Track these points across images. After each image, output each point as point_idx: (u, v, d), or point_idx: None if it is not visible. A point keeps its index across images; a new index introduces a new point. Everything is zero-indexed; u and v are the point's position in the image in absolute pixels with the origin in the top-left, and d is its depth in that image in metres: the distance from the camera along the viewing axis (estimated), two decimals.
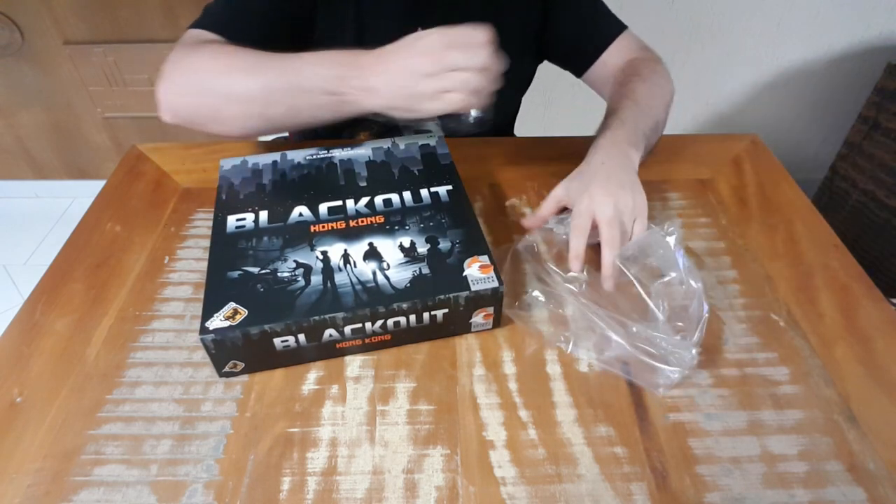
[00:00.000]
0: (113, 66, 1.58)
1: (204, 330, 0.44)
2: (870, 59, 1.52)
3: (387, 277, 0.48)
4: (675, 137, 0.77)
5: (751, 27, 1.47)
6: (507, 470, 0.42)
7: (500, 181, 0.68)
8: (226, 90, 0.54)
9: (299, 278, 0.48)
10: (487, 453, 0.43)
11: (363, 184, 0.58)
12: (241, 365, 0.47)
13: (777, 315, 0.53)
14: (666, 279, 0.51)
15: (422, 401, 0.46)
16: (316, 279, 0.48)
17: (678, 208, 0.65)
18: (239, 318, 0.45)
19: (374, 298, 0.46)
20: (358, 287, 0.47)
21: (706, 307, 0.49)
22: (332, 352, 0.49)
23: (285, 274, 0.48)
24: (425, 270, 0.49)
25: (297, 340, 0.46)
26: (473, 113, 0.56)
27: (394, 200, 0.56)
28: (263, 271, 0.49)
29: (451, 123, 0.58)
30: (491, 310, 0.49)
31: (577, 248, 0.53)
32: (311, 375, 0.48)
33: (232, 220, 0.54)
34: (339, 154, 0.62)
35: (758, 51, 1.52)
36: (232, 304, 0.46)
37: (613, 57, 0.73)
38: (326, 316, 0.45)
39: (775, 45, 1.51)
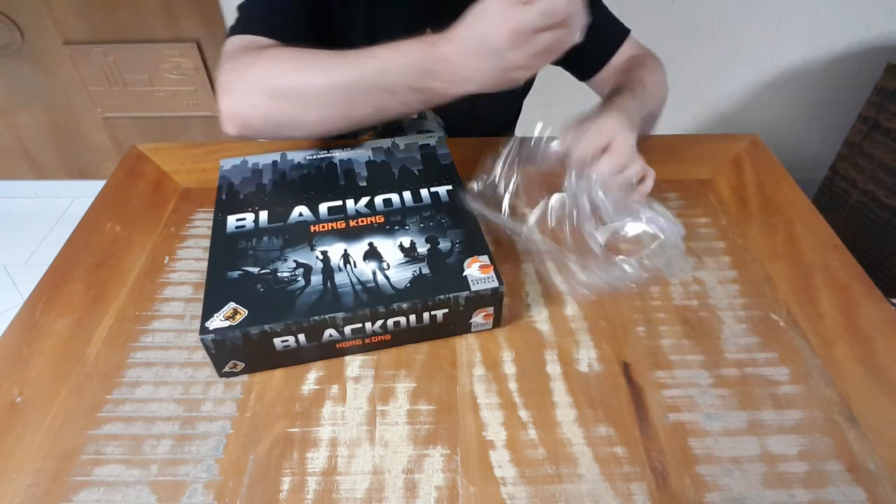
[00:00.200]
0: (113, 66, 1.58)
1: (204, 330, 0.44)
2: (870, 59, 1.52)
3: (387, 277, 0.48)
4: (675, 137, 0.77)
5: (751, 27, 1.47)
6: (507, 470, 0.42)
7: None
8: (306, 94, 0.53)
9: (299, 278, 0.48)
10: (487, 453, 0.43)
11: (363, 184, 0.58)
12: (241, 365, 0.47)
13: (777, 315, 0.53)
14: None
15: (422, 401, 0.46)
16: (316, 279, 0.48)
17: (678, 208, 0.65)
18: (239, 318, 0.45)
19: (374, 298, 0.46)
20: (358, 287, 0.47)
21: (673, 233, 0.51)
22: (332, 352, 0.49)
23: (285, 274, 0.48)
24: (425, 270, 0.49)
25: (297, 340, 0.46)
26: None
27: (394, 200, 0.56)
28: (263, 271, 0.49)
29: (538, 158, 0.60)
30: (491, 310, 0.49)
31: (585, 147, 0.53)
32: (311, 375, 0.48)
33: (232, 220, 0.54)
34: (339, 154, 0.62)
35: (758, 51, 1.52)
36: (232, 304, 0.46)
37: (617, 59, 0.74)
38: (326, 316, 0.45)
39: (775, 45, 1.51)
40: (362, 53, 0.53)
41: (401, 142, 0.64)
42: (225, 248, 0.51)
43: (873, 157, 1.40)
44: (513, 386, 0.47)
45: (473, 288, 0.47)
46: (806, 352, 0.50)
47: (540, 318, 0.53)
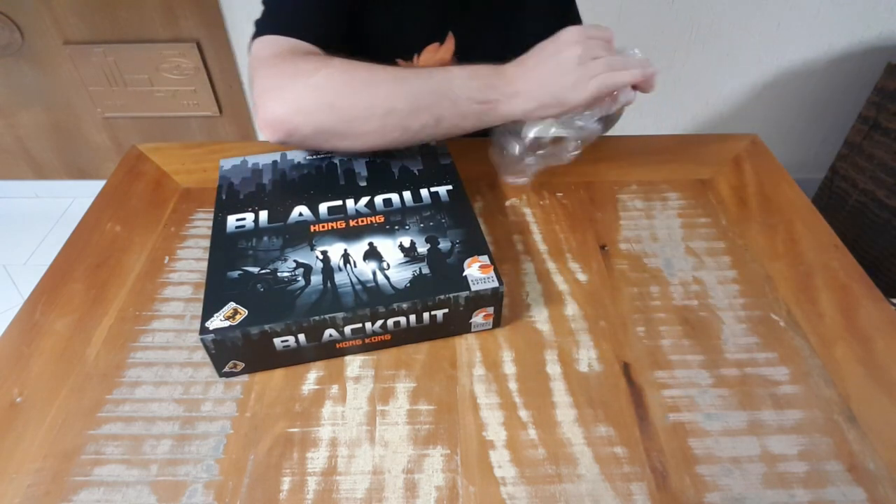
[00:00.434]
0: (113, 66, 1.58)
1: (204, 330, 0.44)
2: (870, 59, 1.52)
3: (387, 277, 0.48)
4: (675, 137, 0.77)
5: (751, 27, 1.47)
6: (507, 470, 0.42)
7: (500, 181, 0.68)
8: (368, 104, 0.53)
9: (299, 278, 0.48)
10: (487, 453, 0.43)
11: (363, 183, 0.58)
12: (241, 365, 0.47)
13: (777, 315, 0.53)
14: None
15: (422, 401, 0.46)
16: (316, 279, 0.48)
17: (678, 208, 0.65)
18: (239, 318, 0.45)
19: (374, 298, 0.46)
20: (358, 287, 0.47)
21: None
22: (332, 352, 0.49)
23: (285, 274, 0.48)
24: (425, 270, 0.49)
25: (297, 340, 0.46)
26: (572, 151, 0.61)
27: (394, 200, 0.56)
28: (263, 271, 0.49)
29: (552, 160, 0.63)
30: (491, 310, 0.50)
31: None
32: (311, 375, 0.48)
33: (232, 220, 0.54)
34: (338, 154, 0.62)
35: (758, 51, 1.52)
36: (232, 304, 0.46)
37: None
38: (326, 316, 0.45)
39: (775, 45, 1.51)
40: (429, 68, 0.55)
41: None
42: (225, 248, 0.51)
43: (873, 157, 1.40)
44: (513, 386, 0.47)
45: (473, 288, 0.47)
46: (806, 352, 0.50)
47: (540, 318, 0.53)
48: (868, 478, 0.42)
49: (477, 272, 0.48)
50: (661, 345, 0.50)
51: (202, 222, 0.63)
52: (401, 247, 0.51)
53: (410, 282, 0.48)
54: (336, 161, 0.61)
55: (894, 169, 1.35)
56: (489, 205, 0.65)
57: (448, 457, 0.43)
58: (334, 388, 0.47)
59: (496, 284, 0.48)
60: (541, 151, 0.61)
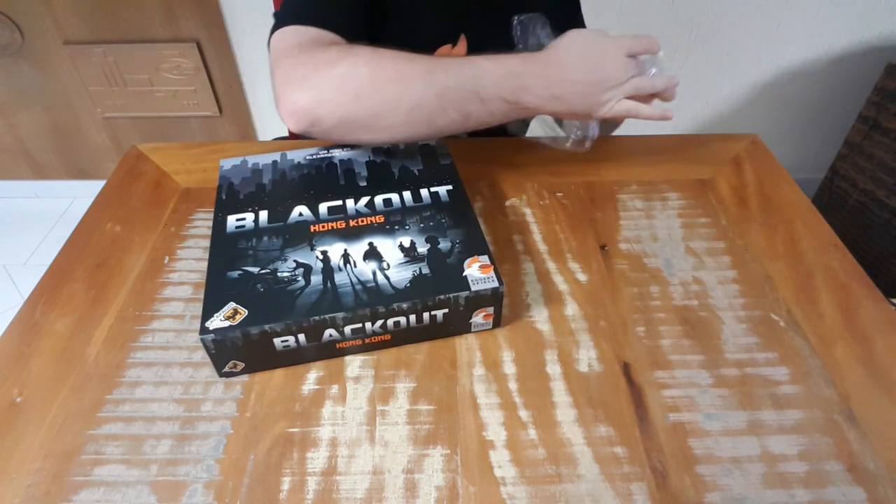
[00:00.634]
0: (113, 66, 1.58)
1: (204, 330, 0.44)
2: (870, 59, 1.52)
3: (387, 277, 0.48)
4: (675, 137, 0.77)
5: (751, 27, 1.47)
6: (507, 470, 0.42)
7: (500, 181, 0.68)
8: (395, 96, 0.52)
9: (299, 278, 0.48)
10: (487, 453, 0.43)
11: (363, 183, 0.58)
12: (241, 365, 0.47)
13: (777, 315, 0.53)
14: None
15: (422, 401, 0.46)
16: (316, 279, 0.48)
17: (678, 208, 0.65)
18: (239, 318, 0.45)
19: (374, 298, 0.46)
20: (358, 287, 0.47)
21: None
22: (332, 352, 0.49)
23: (285, 274, 0.48)
24: (425, 270, 0.49)
25: (297, 340, 0.46)
26: (591, 133, 0.64)
27: (394, 200, 0.56)
28: (263, 271, 0.49)
29: (555, 143, 0.66)
30: (491, 310, 0.50)
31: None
32: (311, 375, 0.48)
33: (232, 220, 0.54)
34: (338, 154, 0.62)
35: (758, 51, 1.52)
36: (232, 304, 0.46)
37: None
38: (326, 316, 0.45)
39: (775, 45, 1.51)
40: (459, 60, 0.54)
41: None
42: (225, 248, 0.51)
43: (873, 157, 1.40)
44: (513, 386, 0.47)
45: (473, 288, 0.47)
46: (806, 352, 0.50)
47: (540, 318, 0.53)
48: (868, 478, 0.42)
49: (477, 272, 0.48)
50: (661, 345, 0.50)
51: (202, 222, 0.63)
52: (401, 247, 0.51)
53: (410, 282, 0.48)
54: (336, 161, 0.61)
55: (894, 169, 1.35)
56: (489, 205, 0.65)
57: (448, 457, 0.43)
58: (334, 388, 0.47)
59: (496, 284, 0.48)
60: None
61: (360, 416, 0.45)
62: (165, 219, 0.63)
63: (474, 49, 0.71)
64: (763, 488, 0.41)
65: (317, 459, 0.43)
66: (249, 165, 0.61)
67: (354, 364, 0.49)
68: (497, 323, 0.51)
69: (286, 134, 1.02)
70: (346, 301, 0.46)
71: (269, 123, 1.72)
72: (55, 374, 0.48)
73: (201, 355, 0.49)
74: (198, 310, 0.50)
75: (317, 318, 0.45)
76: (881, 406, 0.46)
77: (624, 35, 0.56)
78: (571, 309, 0.53)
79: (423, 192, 0.57)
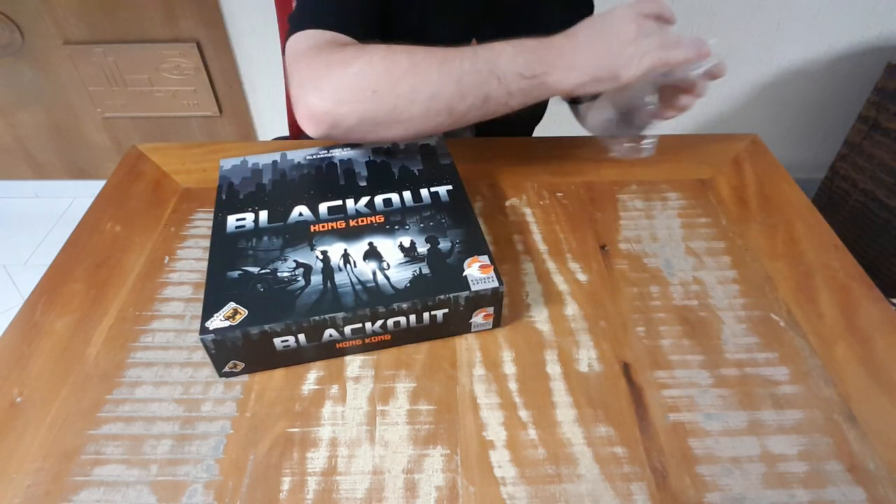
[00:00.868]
0: (113, 66, 1.58)
1: (204, 330, 0.44)
2: (870, 59, 1.52)
3: (387, 277, 0.48)
4: (675, 137, 0.77)
5: (750, 27, 1.47)
6: (507, 470, 0.42)
7: (500, 181, 0.68)
8: (412, 88, 0.51)
9: (299, 278, 0.48)
10: (487, 453, 0.43)
11: (363, 183, 0.58)
12: (241, 365, 0.47)
13: (777, 315, 0.53)
14: None
15: (422, 401, 0.46)
16: (316, 279, 0.48)
17: (678, 208, 0.65)
18: (239, 318, 0.45)
19: (374, 298, 0.46)
20: (358, 287, 0.47)
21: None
22: (332, 352, 0.49)
23: (285, 274, 0.48)
24: (425, 270, 0.49)
25: (297, 340, 0.46)
26: (647, 145, 0.61)
27: (394, 200, 0.56)
28: (263, 271, 0.49)
29: (629, 151, 0.64)
30: (491, 310, 0.50)
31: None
32: (311, 375, 0.48)
33: (232, 220, 0.54)
34: (339, 154, 0.62)
35: (758, 51, 1.52)
36: (232, 304, 0.46)
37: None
38: (326, 316, 0.45)
39: (775, 45, 1.51)
40: (473, 47, 0.53)
41: (401, 142, 0.64)
42: (225, 248, 0.51)
43: (873, 157, 1.40)
44: (513, 386, 0.47)
45: (473, 288, 0.47)
46: (806, 352, 0.50)
47: (540, 318, 0.53)
48: (868, 478, 0.42)
49: (477, 272, 0.48)
50: (661, 345, 0.50)
51: (202, 222, 0.63)
52: (401, 247, 0.51)
53: (410, 282, 0.48)
54: (336, 161, 0.61)
55: (894, 169, 1.35)
56: (489, 205, 0.65)
57: (448, 457, 0.43)
58: (334, 388, 0.47)
59: (496, 284, 0.48)
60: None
61: (360, 416, 0.45)
62: (165, 219, 0.63)
63: None
64: (763, 488, 0.41)
65: (317, 459, 0.43)
66: (249, 165, 0.61)
67: (354, 364, 0.49)
68: (497, 323, 0.51)
69: (286, 134, 1.02)
70: (346, 301, 0.46)
71: (269, 123, 1.72)
72: (55, 374, 0.48)
73: (201, 355, 0.49)
74: (198, 310, 0.50)
75: (317, 318, 0.45)
76: (881, 406, 0.46)
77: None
78: (571, 309, 0.53)
79: (423, 192, 0.57)
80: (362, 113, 0.52)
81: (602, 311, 0.53)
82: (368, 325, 0.47)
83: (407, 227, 0.53)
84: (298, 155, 0.62)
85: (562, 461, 0.43)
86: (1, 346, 0.50)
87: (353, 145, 0.63)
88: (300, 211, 0.55)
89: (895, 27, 1.47)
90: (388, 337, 0.49)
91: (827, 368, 0.49)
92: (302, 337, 0.46)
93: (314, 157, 0.62)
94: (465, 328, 0.51)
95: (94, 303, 0.54)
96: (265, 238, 0.52)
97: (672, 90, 0.56)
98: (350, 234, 0.52)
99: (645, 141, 0.61)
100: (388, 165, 0.61)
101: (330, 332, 0.47)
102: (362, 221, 0.54)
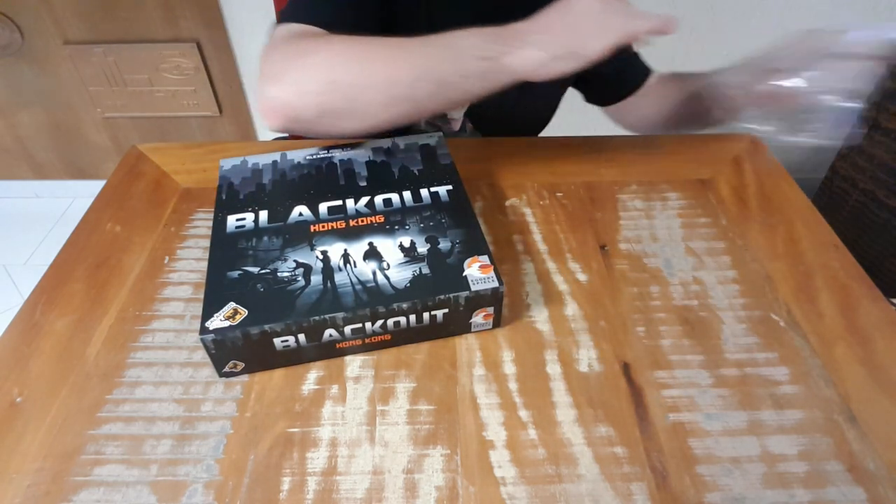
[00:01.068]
0: (113, 66, 1.58)
1: (204, 330, 0.44)
2: None
3: (387, 277, 0.48)
4: (675, 137, 0.77)
5: (751, 27, 1.47)
6: (507, 470, 0.42)
7: (500, 181, 0.68)
8: (366, 77, 0.50)
9: (299, 278, 0.48)
10: (487, 453, 0.43)
11: (363, 183, 0.58)
12: (241, 365, 0.47)
13: (777, 315, 0.53)
14: None
15: (422, 401, 0.46)
16: (316, 279, 0.48)
17: (678, 208, 0.65)
18: (239, 318, 0.45)
19: (374, 298, 0.46)
20: (358, 287, 0.47)
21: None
22: (332, 352, 0.49)
23: (285, 274, 0.48)
24: (425, 270, 0.49)
25: (297, 340, 0.46)
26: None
27: (394, 200, 0.56)
28: (263, 271, 0.49)
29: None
30: (491, 310, 0.50)
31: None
32: (311, 375, 0.48)
33: (232, 220, 0.54)
34: (339, 154, 0.62)
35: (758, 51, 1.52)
36: (232, 304, 0.46)
37: (639, 97, 0.80)
38: (326, 316, 0.45)
39: None
40: (436, 35, 0.51)
41: (401, 142, 0.64)
42: (225, 248, 0.51)
43: (873, 157, 1.40)
44: (513, 386, 0.47)
45: (473, 288, 0.47)
46: (806, 352, 0.50)
47: (540, 318, 0.53)
48: (868, 478, 0.42)
49: (477, 272, 0.48)
50: (661, 345, 0.50)
51: (202, 222, 0.63)
52: (401, 247, 0.51)
53: (410, 282, 0.48)
54: (336, 161, 0.61)
55: (894, 169, 1.35)
56: (489, 205, 0.65)
57: (448, 457, 0.43)
58: (334, 388, 0.47)
59: (496, 284, 0.48)
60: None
61: (360, 416, 0.45)
62: (165, 219, 0.63)
63: None
64: (763, 488, 0.41)
65: (317, 459, 0.43)
66: (249, 165, 0.61)
67: (354, 364, 0.49)
68: (497, 323, 0.51)
69: (286, 134, 1.02)
70: (346, 301, 0.46)
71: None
72: (55, 374, 0.48)
73: (201, 355, 0.49)
74: (198, 310, 0.50)
75: (317, 318, 0.45)
76: (881, 406, 0.46)
77: None
78: (571, 309, 0.53)
79: (423, 192, 0.57)
80: (321, 104, 0.51)
81: (602, 311, 0.53)
82: (368, 325, 0.47)
83: (407, 227, 0.53)
84: (298, 155, 0.62)
85: (562, 461, 0.43)
86: (1, 346, 0.50)
87: (352, 145, 0.63)
88: (300, 211, 0.55)
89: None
90: (388, 337, 0.49)
91: (827, 368, 0.49)
92: (302, 337, 0.46)
93: (314, 157, 0.62)
94: (465, 328, 0.51)
95: (94, 303, 0.54)
96: (265, 238, 0.52)
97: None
98: (350, 234, 0.52)
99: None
100: (388, 165, 0.61)
101: (330, 332, 0.47)
102: (362, 221, 0.54)
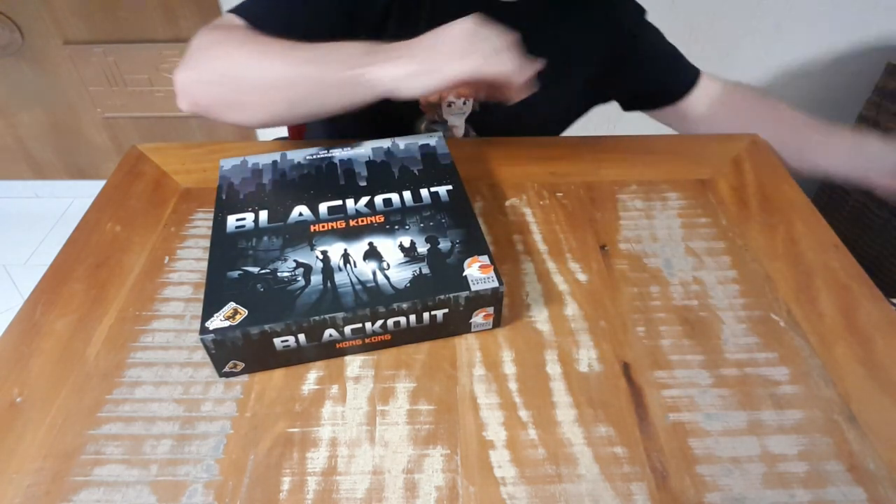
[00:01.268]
0: (113, 66, 1.58)
1: (204, 330, 0.44)
2: (870, 59, 1.52)
3: (387, 277, 0.48)
4: (676, 137, 0.77)
5: (751, 27, 1.47)
6: (507, 470, 0.42)
7: (500, 181, 0.68)
8: (252, 75, 0.54)
9: (299, 278, 0.48)
10: (487, 453, 0.43)
11: (363, 183, 0.58)
12: (241, 365, 0.47)
13: (777, 315, 0.53)
14: None
15: (422, 401, 0.46)
16: (316, 279, 0.48)
17: (678, 208, 0.65)
18: (239, 318, 0.45)
19: (374, 298, 0.46)
20: (358, 287, 0.47)
21: None
22: (332, 352, 0.49)
23: (285, 274, 0.48)
24: (425, 270, 0.49)
25: (297, 340, 0.46)
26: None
27: (394, 200, 0.56)
28: (263, 271, 0.49)
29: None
30: (491, 310, 0.50)
31: None
32: (311, 375, 0.48)
33: (232, 220, 0.54)
34: (338, 154, 0.62)
35: (758, 51, 1.52)
36: (232, 304, 0.46)
37: (698, 100, 0.80)
38: (326, 316, 0.45)
39: (775, 45, 1.51)
40: (326, 43, 0.54)
41: (401, 142, 0.64)
42: (225, 248, 0.51)
43: None
44: (513, 386, 0.47)
45: (473, 288, 0.47)
46: (806, 352, 0.50)
47: (540, 318, 0.53)
48: (868, 478, 0.42)
49: (477, 272, 0.48)
50: (661, 345, 0.50)
51: (202, 222, 0.63)
52: (401, 247, 0.51)
53: (410, 282, 0.48)
54: (336, 161, 0.61)
55: None
56: (489, 205, 0.65)
57: (448, 457, 0.43)
58: (334, 388, 0.47)
59: (496, 284, 0.48)
60: None
61: (360, 416, 0.45)
62: (165, 219, 0.63)
63: None
64: (763, 488, 0.41)
65: (317, 459, 0.43)
66: (249, 165, 0.61)
67: (354, 364, 0.49)
68: (497, 323, 0.51)
69: (286, 134, 1.02)
70: (346, 301, 0.46)
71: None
72: (55, 374, 0.48)
73: (201, 355, 0.49)
74: (198, 310, 0.50)
75: (317, 318, 0.45)
76: (881, 406, 0.46)
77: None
78: (571, 309, 0.53)
79: (423, 192, 0.57)
80: (214, 95, 0.55)
81: (602, 311, 0.53)
82: (368, 325, 0.47)
83: (407, 227, 0.53)
84: (298, 155, 0.62)
85: (562, 461, 0.43)
86: (1, 346, 0.50)
87: (353, 145, 0.63)
88: (300, 211, 0.55)
89: (895, 27, 1.47)
90: (388, 337, 0.49)
91: (827, 368, 0.49)
92: (302, 337, 0.46)
93: (314, 157, 0.62)
94: (465, 328, 0.51)
95: (94, 303, 0.54)
96: (265, 238, 0.52)
97: None
98: (350, 234, 0.52)
99: None
100: (388, 165, 0.61)
101: (330, 332, 0.47)
102: (362, 221, 0.54)
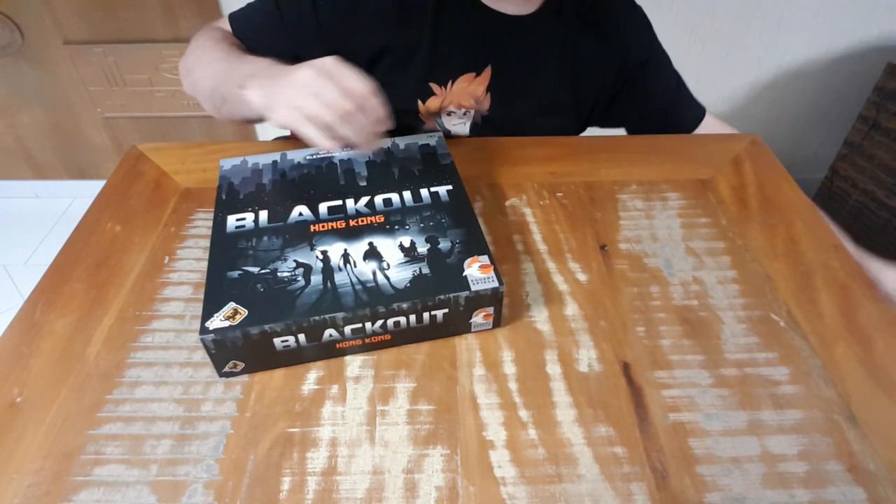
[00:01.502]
0: (113, 66, 1.58)
1: (204, 330, 0.44)
2: (870, 59, 1.52)
3: (387, 277, 0.48)
4: (675, 137, 0.77)
5: (751, 27, 1.47)
6: (507, 470, 0.42)
7: (500, 181, 0.68)
8: (195, 76, 0.65)
9: (299, 278, 0.48)
10: (487, 453, 0.43)
11: (363, 183, 0.58)
12: (241, 365, 0.47)
13: (777, 315, 0.53)
14: None
15: (422, 401, 0.46)
16: (316, 279, 0.48)
17: (678, 208, 0.65)
18: (239, 318, 0.45)
19: (374, 298, 0.46)
20: (358, 287, 0.47)
21: None
22: (332, 352, 0.49)
23: (285, 274, 0.48)
24: (425, 270, 0.49)
25: (297, 340, 0.46)
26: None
27: (394, 200, 0.56)
28: (263, 271, 0.49)
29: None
30: (491, 310, 0.50)
31: None
32: (311, 375, 0.48)
33: (232, 220, 0.54)
34: (339, 154, 0.62)
35: (758, 51, 1.52)
36: (232, 304, 0.46)
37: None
38: (326, 316, 0.45)
39: (775, 45, 1.51)
40: (253, 56, 0.61)
41: (401, 142, 0.64)
42: (225, 248, 0.51)
43: (873, 157, 1.40)
44: (513, 386, 0.47)
45: (473, 288, 0.47)
46: (806, 352, 0.50)
47: (540, 318, 0.53)
48: (868, 478, 0.42)
49: (477, 272, 0.48)
50: (661, 345, 0.50)
51: (202, 222, 0.63)
52: (401, 247, 0.51)
53: (410, 282, 0.48)
54: (336, 161, 0.61)
55: (894, 169, 1.35)
56: (489, 205, 0.65)
57: (448, 457, 0.43)
58: (334, 388, 0.47)
59: (496, 284, 0.48)
60: None
61: (360, 416, 0.45)
62: (165, 219, 0.63)
63: (498, 79, 0.71)
64: (763, 488, 0.41)
65: (317, 459, 0.43)
66: (249, 165, 0.61)
67: (354, 364, 0.49)
68: (497, 323, 0.51)
69: (286, 134, 1.02)
70: (346, 301, 0.46)
71: (269, 123, 1.72)
72: (55, 374, 0.48)
73: (201, 355, 0.49)
74: (198, 310, 0.50)
75: (317, 318, 0.45)
76: (881, 406, 0.46)
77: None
78: (571, 309, 0.53)
79: (423, 192, 0.57)
80: (187, 86, 0.68)
81: (602, 311, 0.53)
82: (368, 325, 0.47)
83: (407, 227, 0.53)
84: (298, 155, 0.62)
85: (562, 461, 0.43)
86: (1, 346, 0.50)
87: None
88: (300, 211, 0.55)
89: (895, 27, 1.47)
90: (388, 337, 0.49)
91: (827, 368, 0.49)
92: (302, 337, 0.46)
93: (314, 157, 0.62)
94: (465, 328, 0.51)
95: (94, 303, 0.54)
96: (265, 238, 0.52)
97: None
98: (350, 234, 0.52)
99: None
100: (388, 165, 0.61)
101: (330, 332, 0.47)
102: (362, 221, 0.54)
